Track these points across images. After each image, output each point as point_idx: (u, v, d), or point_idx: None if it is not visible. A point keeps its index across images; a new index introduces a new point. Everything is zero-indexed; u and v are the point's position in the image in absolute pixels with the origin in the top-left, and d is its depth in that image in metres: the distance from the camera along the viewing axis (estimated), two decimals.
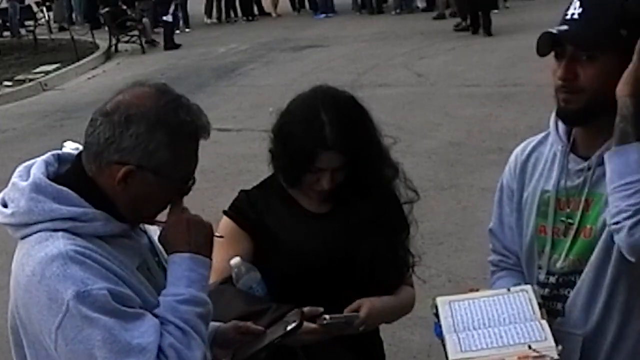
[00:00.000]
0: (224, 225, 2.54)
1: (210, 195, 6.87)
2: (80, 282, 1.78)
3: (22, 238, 1.90)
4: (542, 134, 2.33)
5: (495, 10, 17.25)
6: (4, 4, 21.06)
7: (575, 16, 2.09)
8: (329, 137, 2.37)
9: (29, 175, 1.93)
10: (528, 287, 2.20)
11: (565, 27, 2.09)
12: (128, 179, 1.88)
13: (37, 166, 1.95)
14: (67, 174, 1.96)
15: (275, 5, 21.16)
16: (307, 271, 2.42)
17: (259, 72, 13.64)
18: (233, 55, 15.78)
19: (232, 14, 21.54)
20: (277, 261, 2.46)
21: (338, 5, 20.20)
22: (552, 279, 2.23)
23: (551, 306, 2.22)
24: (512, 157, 2.39)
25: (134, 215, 1.96)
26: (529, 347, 2.02)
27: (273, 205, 2.53)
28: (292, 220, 2.51)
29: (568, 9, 2.12)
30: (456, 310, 2.20)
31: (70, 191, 1.89)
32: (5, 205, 1.93)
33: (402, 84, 11.54)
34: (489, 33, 14.58)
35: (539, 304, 2.15)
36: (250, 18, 21.15)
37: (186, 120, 1.91)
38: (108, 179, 1.90)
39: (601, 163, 2.10)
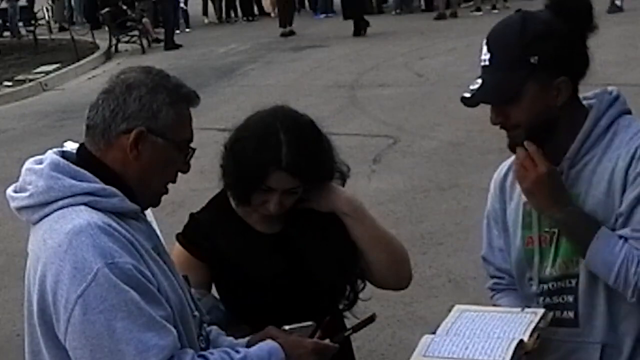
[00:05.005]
0: (177, 252, 2.46)
1: (210, 195, 6.80)
2: (108, 254, 1.81)
3: (40, 220, 1.90)
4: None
5: (480, 13, 17.25)
6: (4, 4, 21.05)
7: (486, 62, 2.12)
8: (284, 158, 2.31)
9: (42, 162, 1.95)
10: (541, 310, 2.17)
11: (476, 86, 2.11)
12: (139, 144, 1.92)
13: (49, 153, 1.98)
14: (77, 159, 1.98)
15: (274, 6, 21.17)
16: (262, 294, 2.40)
17: (259, 72, 13.64)
18: (233, 55, 15.78)
19: (232, 14, 21.55)
20: (231, 285, 2.45)
21: (338, 6, 20.19)
22: (545, 288, 2.22)
23: (556, 315, 2.19)
24: (492, 183, 2.39)
25: (143, 189, 1.98)
26: None
27: (224, 228, 2.48)
28: (244, 244, 2.45)
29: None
30: (462, 318, 2.20)
31: (86, 171, 1.93)
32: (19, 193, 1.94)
33: (402, 84, 11.54)
34: (359, 34, 16.28)
35: (535, 327, 2.11)
36: (250, 18, 21.17)
37: (179, 83, 2.01)
38: (117, 152, 1.94)
39: (571, 165, 2.13)
